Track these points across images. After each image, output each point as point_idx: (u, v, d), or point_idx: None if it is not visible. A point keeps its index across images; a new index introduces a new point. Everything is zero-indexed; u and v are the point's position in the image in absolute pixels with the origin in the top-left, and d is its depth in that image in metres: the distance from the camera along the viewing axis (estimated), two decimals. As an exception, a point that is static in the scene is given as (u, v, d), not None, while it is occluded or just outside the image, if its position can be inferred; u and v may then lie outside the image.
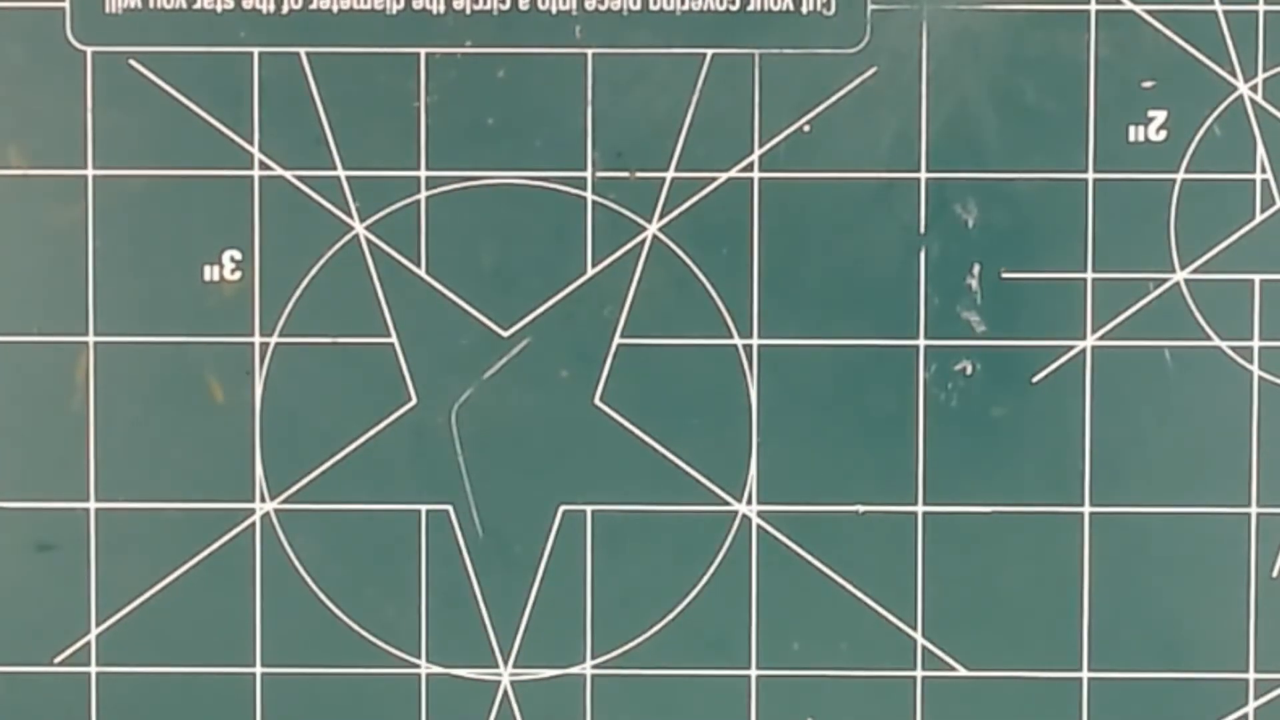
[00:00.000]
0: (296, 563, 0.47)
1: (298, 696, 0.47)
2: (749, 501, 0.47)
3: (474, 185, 0.47)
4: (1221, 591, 0.47)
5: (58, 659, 0.48)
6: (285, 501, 0.47)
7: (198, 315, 0.47)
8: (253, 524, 0.47)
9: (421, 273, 0.47)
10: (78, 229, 0.47)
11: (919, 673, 0.47)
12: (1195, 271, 0.46)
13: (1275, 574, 0.47)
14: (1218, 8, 0.46)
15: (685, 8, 0.46)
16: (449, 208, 0.47)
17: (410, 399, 0.47)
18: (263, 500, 0.47)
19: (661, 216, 0.47)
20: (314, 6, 0.47)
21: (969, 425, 0.47)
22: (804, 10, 0.46)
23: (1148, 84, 0.46)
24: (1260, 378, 0.47)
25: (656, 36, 0.46)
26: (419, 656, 0.47)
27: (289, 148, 0.47)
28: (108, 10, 0.47)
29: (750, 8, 0.46)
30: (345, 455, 0.47)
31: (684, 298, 0.47)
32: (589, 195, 0.47)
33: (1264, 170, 0.46)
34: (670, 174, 0.47)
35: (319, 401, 0.47)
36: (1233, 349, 0.47)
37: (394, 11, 0.47)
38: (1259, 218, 0.46)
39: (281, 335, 0.47)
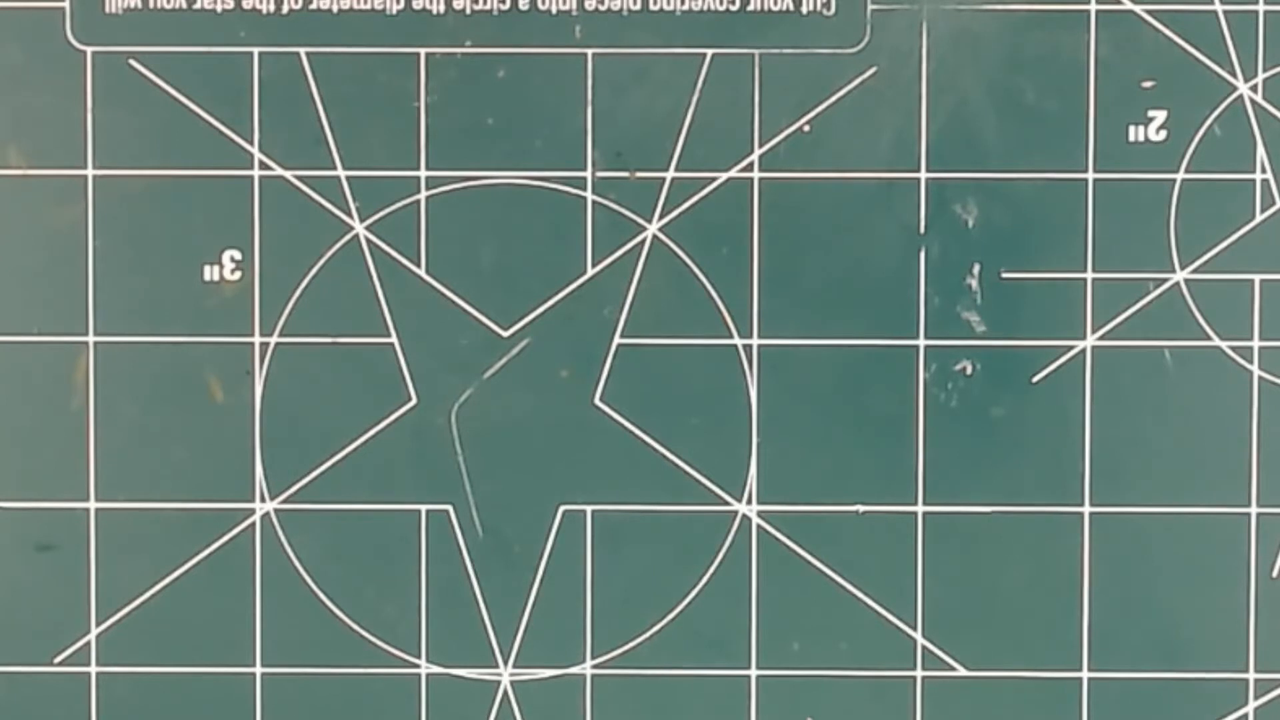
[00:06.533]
0: (296, 563, 0.47)
1: (298, 696, 0.47)
2: (749, 501, 0.47)
3: (474, 185, 0.47)
4: (1221, 591, 0.47)
5: (58, 659, 0.48)
6: (285, 501, 0.47)
7: (198, 315, 0.47)
8: (253, 524, 0.47)
9: (421, 273, 0.47)
10: (78, 229, 0.47)
11: (919, 673, 0.47)
12: (1195, 271, 0.46)
13: (1275, 574, 0.47)
14: (1218, 8, 0.46)
15: (685, 8, 0.46)
16: (449, 208, 0.47)
17: (410, 399, 0.47)
18: (263, 500, 0.47)
19: (661, 216, 0.47)
20: (314, 6, 0.47)
21: (969, 425, 0.47)
22: (804, 10, 0.46)
23: (1148, 84, 0.46)
24: (1260, 378, 0.47)
25: (656, 36, 0.46)
26: (419, 656, 0.47)
27: (289, 148, 0.47)
28: (108, 10, 0.47)
29: (750, 8, 0.46)
30: (345, 455, 0.47)
31: (684, 298, 0.47)
32: (589, 195, 0.47)
33: (1264, 170, 0.46)
34: (670, 174, 0.47)
35: (319, 401, 0.47)
36: (1233, 349, 0.47)
37: (394, 11, 0.47)
38: (1259, 218, 0.46)
39: (281, 335, 0.47)
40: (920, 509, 0.47)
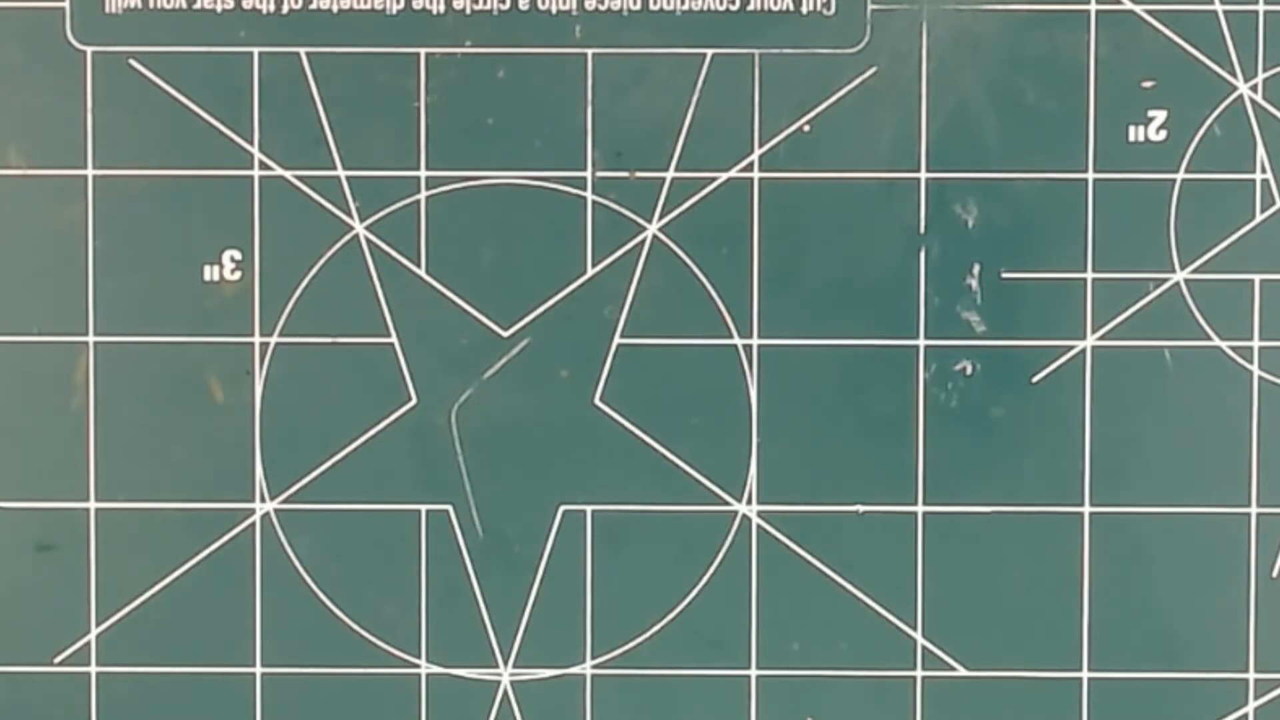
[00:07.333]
0: (296, 563, 0.47)
1: (298, 696, 0.47)
2: (749, 501, 0.47)
3: (474, 185, 0.47)
4: (1221, 591, 0.47)
5: (58, 659, 0.48)
6: (285, 501, 0.47)
7: (198, 315, 0.47)
8: (253, 524, 0.47)
9: (421, 273, 0.47)
10: (78, 229, 0.47)
11: (919, 673, 0.47)
12: (1195, 271, 0.46)
13: (1275, 574, 0.47)
14: (1218, 8, 0.46)
15: (685, 8, 0.46)
16: (449, 208, 0.47)
17: (410, 399, 0.47)
18: (263, 500, 0.47)
19: (661, 216, 0.47)
20: (314, 6, 0.47)
21: (969, 425, 0.47)
22: (804, 10, 0.46)
23: (1148, 84, 0.46)
24: (1260, 378, 0.47)
25: (656, 36, 0.46)
26: (419, 656, 0.47)
27: (289, 148, 0.47)
28: (108, 10, 0.47)
29: (750, 8, 0.46)
30: (345, 455, 0.47)
31: (684, 298, 0.47)
32: (589, 195, 0.47)
33: (1264, 170, 0.46)
34: (670, 174, 0.47)
35: (319, 401, 0.47)
36: (1233, 349, 0.47)
37: (394, 11, 0.47)
38: (1259, 218, 0.46)
39: (281, 335, 0.47)
40: (920, 509, 0.47)
